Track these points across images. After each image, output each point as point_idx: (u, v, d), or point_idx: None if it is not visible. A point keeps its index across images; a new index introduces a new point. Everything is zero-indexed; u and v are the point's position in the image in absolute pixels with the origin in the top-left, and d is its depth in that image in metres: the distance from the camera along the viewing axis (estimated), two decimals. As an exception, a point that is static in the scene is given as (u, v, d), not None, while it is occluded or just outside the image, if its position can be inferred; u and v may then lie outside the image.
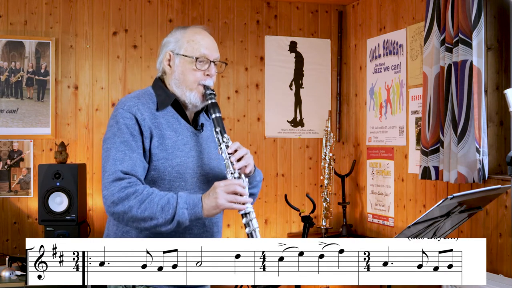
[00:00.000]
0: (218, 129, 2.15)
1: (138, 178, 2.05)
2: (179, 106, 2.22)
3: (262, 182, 2.40)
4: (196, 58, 2.18)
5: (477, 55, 3.54)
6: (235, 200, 2.01)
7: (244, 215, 2.05)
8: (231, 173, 2.09)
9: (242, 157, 2.12)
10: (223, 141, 2.13)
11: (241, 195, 2.03)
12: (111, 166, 2.04)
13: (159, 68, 2.27)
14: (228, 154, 2.10)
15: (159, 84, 2.25)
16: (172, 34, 2.26)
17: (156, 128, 2.12)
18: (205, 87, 2.19)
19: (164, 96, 2.20)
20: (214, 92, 2.20)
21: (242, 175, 2.10)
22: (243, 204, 2.03)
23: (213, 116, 2.17)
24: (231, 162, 2.09)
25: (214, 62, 2.22)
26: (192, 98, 2.19)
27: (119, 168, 2.03)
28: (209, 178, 2.20)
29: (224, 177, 2.18)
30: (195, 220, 2.03)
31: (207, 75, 2.20)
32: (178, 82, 2.20)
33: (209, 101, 2.18)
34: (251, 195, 2.25)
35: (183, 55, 2.19)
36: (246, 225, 2.04)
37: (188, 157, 2.15)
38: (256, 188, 2.32)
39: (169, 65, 2.22)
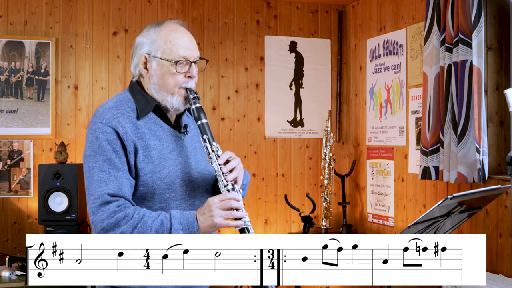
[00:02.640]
0: (205, 137, 2.03)
1: (126, 199, 1.94)
2: (160, 110, 2.08)
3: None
4: (176, 62, 2.03)
5: (477, 55, 3.54)
6: (231, 216, 1.93)
7: (242, 230, 1.96)
8: (224, 186, 1.99)
9: (234, 168, 2.02)
10: (213, 151, 2.01)
11: (236, 209, 1.94)
12: (96, 189, 1.93)
13: (134, 72, 2.11)
14: (219, 165, 1.99)
15: (137, 88, 2.09)
16: (146, 34, 2.09)
17: (139, 139, 1.99)
18: (187, 90, 2.06)
19: (143, 102, 2.05)
20: (197, 96, 2.06)
21: (235, 186, 2.00)
22: (240, 219, 1.94)
23: (199, 122, 2.04)
24: (223, 173, 1.99)
25: (194, 62, 2.07)
26: (175, 103, 2.05)
27: (105, 191, 1.92)
28: (198, 183, 2.11)
29: (213, 179, 2.12)
30: None
31: (189, 77, 2.06)
32: (158, 87, 2.05)
33: (193, 106, 2.05)
34: None
35: (160, 58, 2.03)
36: None
37: (176, 165, 2.05)
38: (244, 191, 2.21)
39: (145, 68, 2.06)
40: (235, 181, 2.02)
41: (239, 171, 2.03)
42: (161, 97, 2.06)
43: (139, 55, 2.07)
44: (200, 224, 1.93)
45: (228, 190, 1.99)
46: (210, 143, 2.03)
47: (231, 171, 2.01)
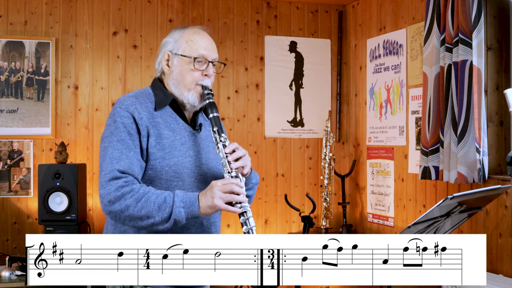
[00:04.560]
0: (215, 129, 2.15)
1: (135, 177, 2.05)
2: (177, 106, 2.22)
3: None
4: (195, 58, 2.18)
5: (477, 55, 3.54)
6: (231, 199, 2.01)
7: (241, 214, 2.04)
8: (228, 172, 2.08)
9: (240, 157, 2.12)
10: (221, 141, 2.13)
11: (237, 194, 2.02)
12: (108, 165, 2.04)
13: (158, 69, 2.27)
14: (226, 153, 2.10)
15: (158, 84, 2.25)
16: (171, 35, 2.26)
17: (153, 127, 2.12)
18: (203, 87, 2.20)
19: (162, 96, 2.20)
20: (212, 92, 2.20)
21: (239, 175, 2.10)
22: (240, 203, 2.02)
23: (211, 115, 2.17)
24: (228, 162, 2.09)
25: (212, 62, 2.22)
26: (190, 98, 2.19)
27: (115, 167, 2.03)
28: (207, 177, 2.19)
29: (222, 177, 2.17)
30: (191, 218, 2.03)
31: (205, 75, 2.20)
32: (176, 82, 2.20)
33: (207, 101, 2.19)
34: (246, 196, 2.24)
35: (181, 55, 2.19)
36: (243, 224, 2.03)
37: (186, 156, 2.15)
38: (252, 190, 2.30)
39: (167, 65, 2.22)
40: (241, 172, 2.12)
41: (245, 161, 2.13)
42: (178, 92, 2.21)
43: (163, 53, 2.25)
44: (201, 204, 2.01)
45: (232, 177, 2.08)
46: (219, 134, 2.15)
47: (236, 160, 2.11)
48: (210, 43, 2.24)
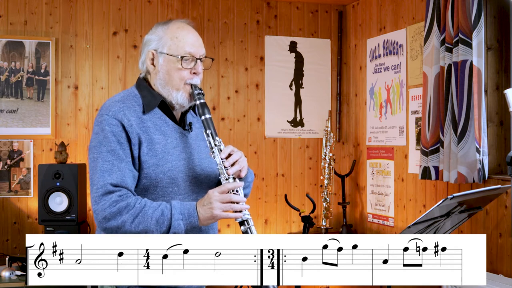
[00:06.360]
0: (208, 132, 2.07)
1: (128, 189, 1.98)
2: (166, 107, 2.12)
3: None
4: (182, 57, 2.07)
5: (477, 55, 3.54)
6: (230, 209, 1.96)
7: (242, 222, 1.99)
8: (226, 179, 2.02)
9: (236, 161, 2.05)
10: (215, 145, 2.05)
11: (237, 202, 1.98)
12: (100, 179, 1.97)
13: (142, 68, 2.16)
14: (221, 159, 2.03)
15: (144, 84, 2.14)
16: (154, 31, 2.14)
17: (144, 133, 2.03)
18: (193, 86, 2.10)
19: (150, 98, 2.10)
20: (202, 92, 2.10)
21: (237, 180, 2.03)
22: (240, 211, 1.98)
23: (203, 117, 2.08)
24: (225, 167, 2.02)
25: (200, 59, 2.11)
26: (180, 99, 2.10)
27: (108, 180, 1.96)
28: (201, 179, 2.13)
29: (216, 176, 2.13)
30: (191, 229, 1.97)
31: (194, 73, 2.10)
32: (164, 83, 2.10)
33: (198, 102, 2.09)
34: (244, 195, 2.21)
35: (167, 54, 2.08)
36: (245, 233, 1.99)
37: (179, 160, 2.08)
38: (248, 189, 2.24)
39: (152, 64, 2.11)
40: (238, 175, 2.05)
41: (241, 164, 2.06)
42: (166, 92, 2.11)
43: (146, 52, 2.13)
44: (200, 215, 1.96)
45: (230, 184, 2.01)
46: (213, 138, 2.07)
47: (233, 164, 2.04)
48: (197, 38, 2.13)
